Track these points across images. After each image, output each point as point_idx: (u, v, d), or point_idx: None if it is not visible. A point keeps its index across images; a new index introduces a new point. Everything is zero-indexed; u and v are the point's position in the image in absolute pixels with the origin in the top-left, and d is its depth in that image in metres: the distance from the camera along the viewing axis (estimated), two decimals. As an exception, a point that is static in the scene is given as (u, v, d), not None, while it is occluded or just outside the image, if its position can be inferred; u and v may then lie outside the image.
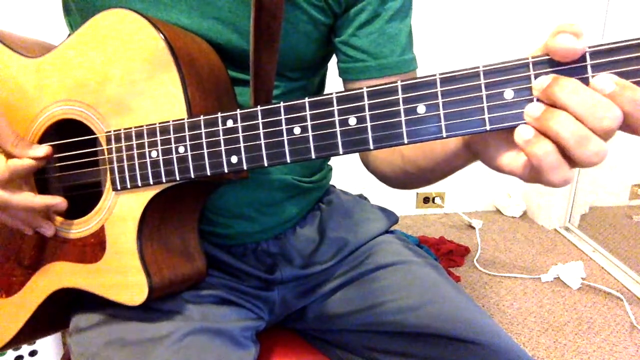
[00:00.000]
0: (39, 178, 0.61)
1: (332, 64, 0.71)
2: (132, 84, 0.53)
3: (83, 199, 0.59)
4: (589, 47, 0.33)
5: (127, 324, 0.59)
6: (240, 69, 0.61)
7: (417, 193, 2.38)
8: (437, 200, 2.37)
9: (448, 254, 1.94)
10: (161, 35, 0.51)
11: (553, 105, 0.34)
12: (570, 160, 0.34)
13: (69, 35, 0.58)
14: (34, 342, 1.16)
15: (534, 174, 0.36)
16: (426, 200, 2.38)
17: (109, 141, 0.53)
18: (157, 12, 0.57)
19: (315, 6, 0.60)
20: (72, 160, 0.59)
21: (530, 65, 0.34)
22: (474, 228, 2.20)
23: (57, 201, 0.56)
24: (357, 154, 0.69)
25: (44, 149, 0.56)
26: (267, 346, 0.69)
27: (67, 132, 0.58)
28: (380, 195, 1.88)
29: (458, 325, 0.60)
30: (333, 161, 0.82)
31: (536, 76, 0.34)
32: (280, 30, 0.56)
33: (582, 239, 2.09)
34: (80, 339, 0.61)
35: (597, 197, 2.37)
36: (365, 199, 0.84)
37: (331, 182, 0.83)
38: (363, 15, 0.62)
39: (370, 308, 0.66)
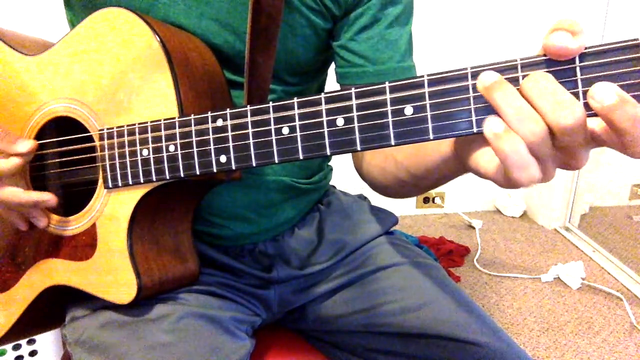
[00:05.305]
0: (37, 175, 0.62)
1: (332, 72, 0.70)
2: (127, 82, 0.53)
3: (83, 197, 0.59)
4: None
5: (123, 308, 0.58)
6: (237, 71, 0.60)
7: (417, 192, 2.37)
8: (437, 200, 2.36)
9: (448, 254, 1.94)
10: (155, 34, 0.51)
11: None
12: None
13: (68, 32, 0.58)
14: (34, 342, 1.16)
15: (505, 175, 0.35)
16: (426, 200, 2.37)
17: (101, 139, 0.53)
18: (156, 11, 0.57)
19: (314, 10, 0.59)
20: (68, 157, 0.59)
21: (519, 67, 0.34)
22: (474, 228, 2.19)
23: (47, 197, 0.56)
24: (351, 161, 0.70)
25: (27, 145, 0.55)
26: (268, 346, 0.69)
27: (66, 129, 0.58)
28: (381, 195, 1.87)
29: (458, 326, 0.60)
30: (333, 161, 0.81)
31: (525, 78, 0.33)
32: (278, 33, 0.55)
33: (582, 239, 2.08)
34: (75, 327, 0.61)
35: (597, 197, 2.36)
36: (366, 198, 0.83)
37: (331, 182, 0.83)
38: (363, 19, 0.61)
39: (370, 309, 0.66)
